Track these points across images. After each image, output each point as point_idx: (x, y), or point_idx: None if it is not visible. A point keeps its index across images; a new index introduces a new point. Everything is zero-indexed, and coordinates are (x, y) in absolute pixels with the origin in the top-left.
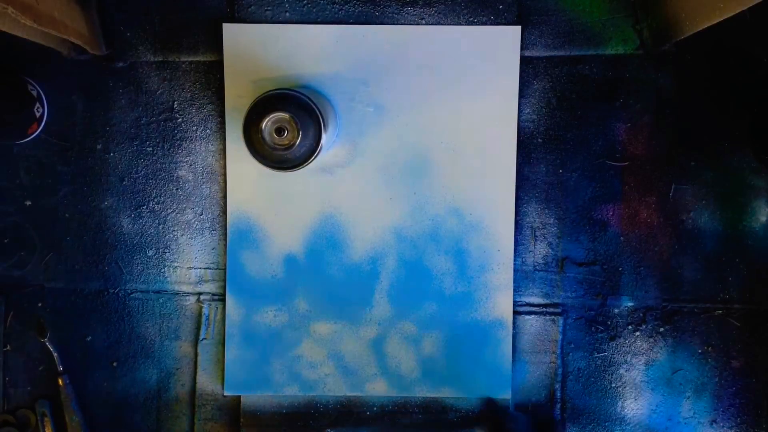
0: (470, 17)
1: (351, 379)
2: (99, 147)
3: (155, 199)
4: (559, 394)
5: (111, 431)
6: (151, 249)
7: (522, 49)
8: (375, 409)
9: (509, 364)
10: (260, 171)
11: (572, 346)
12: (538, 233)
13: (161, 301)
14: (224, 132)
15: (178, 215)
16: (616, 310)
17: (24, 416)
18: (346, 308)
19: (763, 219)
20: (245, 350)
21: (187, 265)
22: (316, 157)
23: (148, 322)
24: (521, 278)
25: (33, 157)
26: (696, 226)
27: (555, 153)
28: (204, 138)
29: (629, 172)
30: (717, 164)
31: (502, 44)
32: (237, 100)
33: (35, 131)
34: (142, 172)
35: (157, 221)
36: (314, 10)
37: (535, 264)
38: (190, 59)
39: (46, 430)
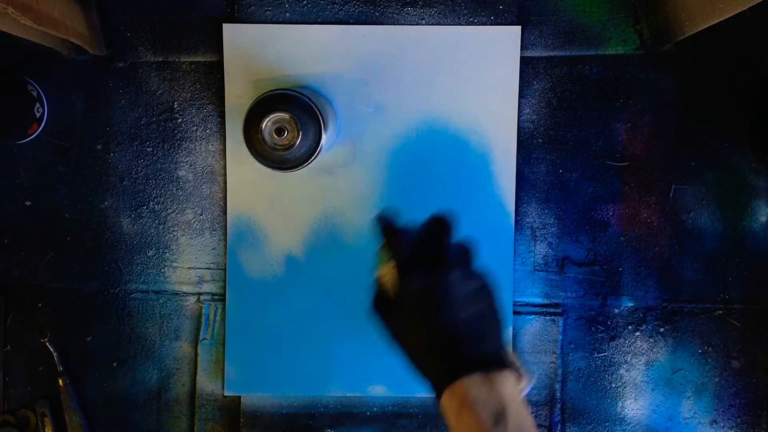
0: (470, 17)
1: (351, 379)
2: (99, 147)
3: (155, 200)
4: (559, 395)
5: (111, 431)
6: (151, 249)
7: (522, 49)
8: (375, 409)
9: None
10: (260, 171)
11: (572, 346)
12: (538, 233)
13: (161, 301)
14: (224, 132)
15: (178, 215)
16: (616, 311)
17: (24, 416)
18: (346, 308)
19: (763, 219)
20: (245, 350)
21: (187, 265)
22: (316, 157)
23: (148, 322)
24: (521, 278)
25: (33, 157)
26: (696, 226)
27: (555, 153)
28: (204, 138)
29: (629, 172)
30: (717, 164)
31: (502, 44)
32: (237, 100)
33: (35, 131)
34: (142, 172)
35: (157, 221)
36: (314, 11)
37: (535, 264)
38: (190, 59)
39: (46, 430)
